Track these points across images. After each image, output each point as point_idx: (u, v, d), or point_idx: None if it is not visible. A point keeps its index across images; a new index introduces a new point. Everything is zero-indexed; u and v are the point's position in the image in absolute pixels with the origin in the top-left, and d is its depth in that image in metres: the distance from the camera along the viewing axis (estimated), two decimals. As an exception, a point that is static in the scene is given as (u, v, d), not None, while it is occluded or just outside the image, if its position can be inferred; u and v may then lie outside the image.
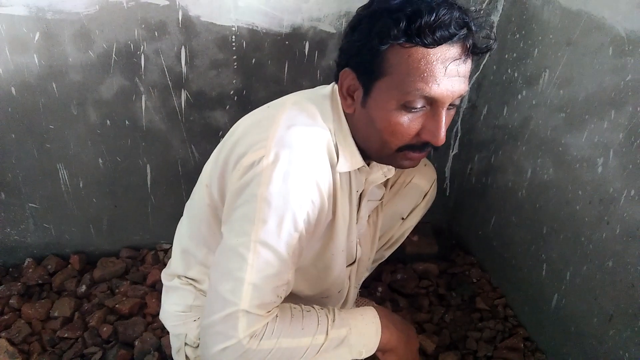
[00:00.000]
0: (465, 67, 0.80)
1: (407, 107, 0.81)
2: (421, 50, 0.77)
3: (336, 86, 0.93)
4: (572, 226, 1.29)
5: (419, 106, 0.81)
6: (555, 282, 1.37)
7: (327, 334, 0.87)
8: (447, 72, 0.78)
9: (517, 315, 1.58)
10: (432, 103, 0.81)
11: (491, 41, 0.82)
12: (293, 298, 0.99)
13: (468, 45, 0.79)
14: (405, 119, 0.82)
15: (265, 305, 0.82)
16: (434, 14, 0.74)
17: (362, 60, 0.83)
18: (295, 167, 0.81)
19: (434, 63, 0.77)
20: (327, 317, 0.89)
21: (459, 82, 0.80)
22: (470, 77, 1.60)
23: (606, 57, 1.13)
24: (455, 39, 0.76)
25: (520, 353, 1.44)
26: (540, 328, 1.47)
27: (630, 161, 1.09)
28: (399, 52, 0.78)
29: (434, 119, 0.82)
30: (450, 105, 0.83)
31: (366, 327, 0.92)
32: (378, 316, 0.95)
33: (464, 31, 0.77)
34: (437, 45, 0.76)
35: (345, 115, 0.92)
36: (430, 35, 0.75)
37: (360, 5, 0.85)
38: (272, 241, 0.80)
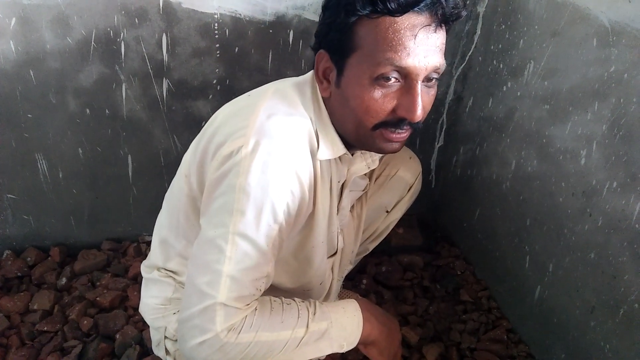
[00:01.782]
0: (436, 36, 0.78)
1: (379, 81, 0.79)
2: (388, 19, 0.76)
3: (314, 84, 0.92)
4: (555, 218, 1.29)
5: (391, 78, 0.79)
6: (538, 274, 1.38)
7: (307, 327, 0.85)
8: (417, 41, 0.76)
9: (500, 307, 1.58)
10: (406, 76, 0.79)
11: (460, 9, 0.80)
12: (274, 291, 0.97)
13: (438, 15, 0.77)
14: (378, 93, 0.80)
15: (244, 298, 0.80)
16: None
17: (332, 38, 0.82)
18: (274, 158, 0.80)
19: (402, 31, 0.76)
20: (308, 310, 0.88)
21: (432, 53, 0.78)
22: (456, 67, 1.60)
23: (590, 48, 1.13)
24: (421, 5, 0.75)
25: (503, 345, 1.45)
26: (523, 320, 1.47)
27: (612, 153, 1.09)
28: (366, 24, 0.77)
29: (409, 93, 0.80)
30: (427, 81, 0.81)
31: (347, 320, 0.92)
32: (360, 309, 0.94)
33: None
34: (404, 13, 0.75)
35: (323, 101, 0.91)
36: (396, 3, 0.74)
37: None
38: (251, 233, 0.79)
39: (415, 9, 0.75)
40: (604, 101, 1.10)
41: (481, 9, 1.50)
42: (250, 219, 0.79)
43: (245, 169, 0.78)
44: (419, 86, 0.80)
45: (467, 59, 1.59)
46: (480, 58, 1.57)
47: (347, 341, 0.91)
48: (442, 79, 1.63)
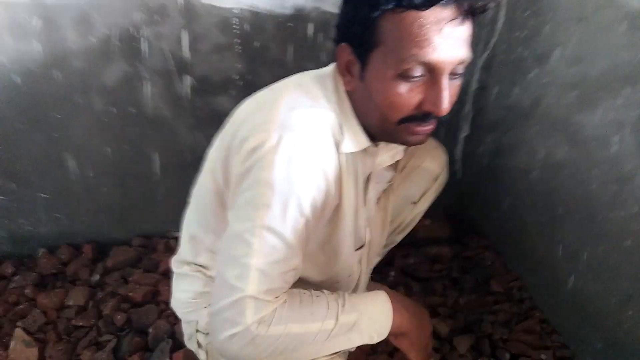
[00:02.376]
0: (462, 29, 0.76)
1: (404, 76, 0.77)
2: (413, 13, 0.73)
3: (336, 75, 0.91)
4: (588, 206, 1.26)
5: (417, 74, 0.77)
6: (571, 264, 1.35)
7: (337, 319, 0.85)
8: (443, 36, 0.74)
9: (532, 298, 1.55)
10: (432, 70, 0.77)
11: (488, 1, 0.77)
12: (302, 284, 0.98)
13: (464, 7, 0.75)
14: (403, 88, 0.79)
15: (273, 291, 0.80)
16: None
17: (355, 32, 0.80)
18: (299, 151, 0.80)
19: (428, 26, 0.73)
20: (337, 302, 0.88)
21: (458, 46, 0.76)
22: (480, 56, 1.57)
23: (620, 33, 1.09)
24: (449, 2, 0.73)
25: (536, 335, 1.42)
26: (556, 310, 1.45)
27: (646, 138, 1.06)
28: (391, 19, 0.75)
29: (435, 87, 0.78)
30: (452, 74, 0.79)
31: (377, 312, 0.91)
32: (389, 300, 0.94)
33: None
34: (429, 7, 0.73)
35: (347, 93, 0.90)
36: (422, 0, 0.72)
37: None
38: (278, 226, 0.79)
39: (442, 2, 0.73)
40: (636, 86, 1.07)
41: (505, -6, 1.47)
42: (276, 213, 0.79)
43: (270, 163, 0.78)
44: (446, 80, 0.78)
45: (491, 47, 1.55)
46: (504, 46, 1.53)
47: (377, 332, 0.91)
48: (466, 68, 1.60)
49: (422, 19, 0.73)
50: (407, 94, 0.79)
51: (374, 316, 0.90)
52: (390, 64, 0.77)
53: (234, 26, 1.38)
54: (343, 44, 0.84)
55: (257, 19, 1.38)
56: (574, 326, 1.37)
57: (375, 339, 0.91)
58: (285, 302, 0.82)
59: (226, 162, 0.89)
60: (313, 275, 1.03)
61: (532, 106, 1.44)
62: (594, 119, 1.20)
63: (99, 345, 1.40)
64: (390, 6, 0.74)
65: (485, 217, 1.81)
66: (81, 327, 1.45)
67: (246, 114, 0.89)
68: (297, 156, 0.79)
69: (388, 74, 0.78)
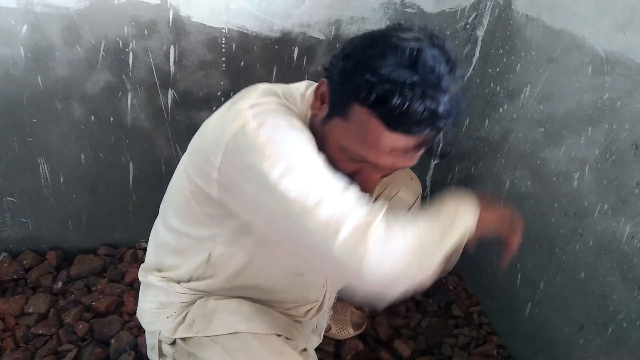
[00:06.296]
0: (414, 154, 0.80)
1: (347, 155, 0.82)
2: (379, 126, 0.75)
3: (312, 87, 0.93)
4: (548, 237, 1.33)
5: (359, 160, 0.81)
6: (529, 292, 1.41)
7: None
8: (392, 154, 0.78)
9: (491, 323, 1.61)
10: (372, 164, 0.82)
11: (448, 149, 0.81)
12: (263, 277, 1.00)
13: (427, 142, 0.77)
14: (345, 159, 0.83)
15: (355, 201, 0.78)
16: (405, 106, 0.71)
17: (335, 90, 0.82)
18: (277, 118, 0.82)
19: (385, 141, 0.76)
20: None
21: (403, 161, 0.80)
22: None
23: (585, 76, 1.18)
24: (416, 133, 0.75)
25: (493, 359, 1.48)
26: (513, 336, 1.51)
27: (604, 176, 1.14)
28: (361, 111, 0.76)
29: (369, 177, 0.83)
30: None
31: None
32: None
33: (427, 130, 0.75)
34: (394, 132, 0.75)
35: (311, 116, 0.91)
36: (392, 122, 0.74)
37: (358, 36, 0.82)
38: (293, 171, 0.77)
39: (407, 134, 0.75)
40: (597, 126, 1.15)
41: (480, 33, 1.55)
42: (283, 166, 0.77)
43: (255, 137, 0.78)
44: (378, 175, 0.84)
45: (465, 80, 1.63)
46: (477, 80, 1.61)
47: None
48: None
49: (383, 135, 0.76)
50: (347, 164, 0.83)
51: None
52: (342, 139, 0.81)
53: (222, 45, 1.41)
54: (327, 81, 0.85)
55: (244, 39, 1.41)
56: (529, 352, 1.43)
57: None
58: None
59: (203, 160, 0.87)
60: (277, 265, 1.03)
61: (501, 139, 1.51)
62: (558, 155, 1.28)
63: (58, 355, 1.37)
64: (364, 105, 0.75)
65: (449, 243, 1.87)
66: (41, 335, 1.42)
67: (215, 118, 0.90)
68: (278, 122, 0.81)
69: (337, 143, 0.82)
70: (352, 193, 0.79)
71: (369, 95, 0.73)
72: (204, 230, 0.98)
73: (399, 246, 0.76)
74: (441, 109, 0.73)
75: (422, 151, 0.81)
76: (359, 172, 0.85)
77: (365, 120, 0.76)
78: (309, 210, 0.75)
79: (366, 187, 0.84)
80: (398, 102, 0.71)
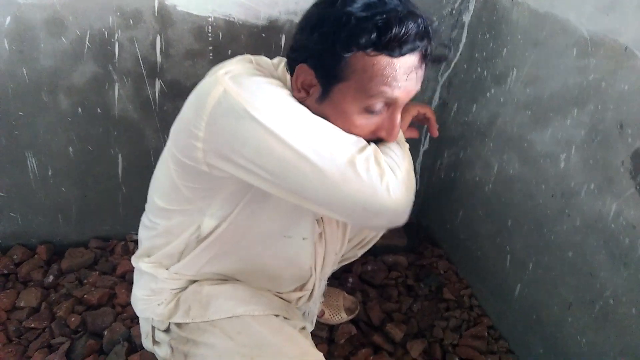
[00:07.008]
0: (422, 71, 0.85)
1: (368, 110, 0.84)
2: (386, 58, 0.80)
3: (283, 62, 0.94)
4: (535, 219, 1.35)
5: (379, 108, 0.85)
6: (518, 273, 1.43)
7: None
8: (409, 77, 0.82)
9: (481, 305, 1.64)
10: (392, 104, 0.85)
11: (446, 50, 0.88)
12: (256, 228, 1.01)
13: (427, 56, 0.84)
14: (364, 120, 0.86)
15: (354, 144, 0.85)
16: (404, 27, 0.77)
17: (323, 63, 0.83)
18: (255, 77, 0.83)
19: (398, 70, 0.81)
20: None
21: (416, 84, 0.85)
22: (442, 74, 1.66)
23: (570, 58, 1.19)
24: (417, 49, 0.81)
25: (484, 341, 1.50)
26: (503, 317, 1.53)
27: (590, 156, 1.15)
28: (363, 59, 0.80)
29: (391, 118, 0.87)
30: None
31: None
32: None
33: (425, 43, 0.81)
34: (402, 56, 0.80)
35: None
36: (398, 48, 0.79)
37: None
38: (290, 115, 0.81)
39: (412, 52, 0.81)
40: (583, 108, 1.16)
41: (466, 18, 1.56)
42: (280, 114, 0.80)
43: (241, 99, 0.79)
44: (400, 112, 0.87)
45: (452, 66, 1.64)
46: (465, 65, 1.62)
47: None
48: (428, 85, 1.68)
49: (394, 64, 0.80)
50: (366, 124, 0.86)
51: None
52: (358, 98, 0.83)
53: (209, 34, 1.40)
54: (304, 66, 0.85)
55: (231, 28, 1.41)
56: (519, 332, 1.45)
57: None
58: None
59: (186, 136, 0.87)
60: (272, 224, 1.03)
61: (488, 123, 1.52)
62: (544, 137, 1.29)
63: (51, 348, 1.37)
64: (366, 50, 0.79)
65: (440, 227, 1.89)
66: (33, 328, 1.41)
67: (191, 97, 0.89)
68: (253, 78, 0.83)
69: (353, 108, 0.84)
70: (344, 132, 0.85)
71: (369, 35, 0.77)
72: (190, 205, 0.98)
73: (402, 167, 0.88)
74: (424, 18, 0.81)
75: (425, 67, 0.86)
76: (381, 126, 0.88)
77: (372, 64, 0.80)
78: (320, 148, 0.80)
79: (393, 134, 0.88)
80: (397, 27, 0.77)
